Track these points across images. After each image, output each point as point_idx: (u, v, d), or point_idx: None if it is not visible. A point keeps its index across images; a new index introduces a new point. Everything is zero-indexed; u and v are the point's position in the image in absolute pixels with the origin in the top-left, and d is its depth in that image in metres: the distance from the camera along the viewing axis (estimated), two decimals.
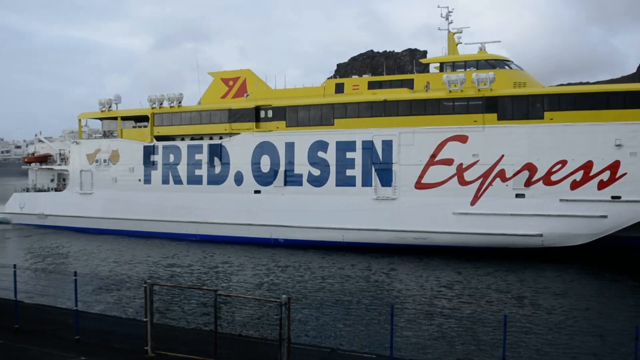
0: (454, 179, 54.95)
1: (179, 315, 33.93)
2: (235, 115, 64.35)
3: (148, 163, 68.27)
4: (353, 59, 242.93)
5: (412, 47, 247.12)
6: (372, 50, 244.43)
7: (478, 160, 54.15)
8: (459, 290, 42.09)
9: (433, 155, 55.67)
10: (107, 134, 73.70)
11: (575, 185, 51.22)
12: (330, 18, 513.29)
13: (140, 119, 71.53)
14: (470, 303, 38.40)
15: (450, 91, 55.67)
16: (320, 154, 60.07)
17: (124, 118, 72.16)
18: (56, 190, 77.27)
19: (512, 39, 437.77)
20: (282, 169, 61.48)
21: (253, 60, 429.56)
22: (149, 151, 68.27)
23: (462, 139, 54.84)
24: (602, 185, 50.51)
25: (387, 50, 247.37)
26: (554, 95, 53.60)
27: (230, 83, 69.52)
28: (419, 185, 56.09)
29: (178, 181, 66.50)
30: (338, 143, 59.38)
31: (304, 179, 60.65)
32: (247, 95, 67.00)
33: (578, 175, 51.17)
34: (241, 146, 63.52)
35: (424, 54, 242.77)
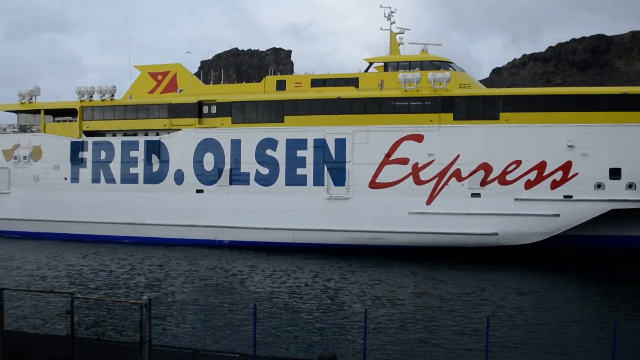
0: (409, 178, 54.90)
1: (36, 322, 31.82)
2: (175, 111, 61.24)
3: (76, 160, 63.61)
4: (217, 56, 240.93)
5: (277, 47, 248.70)
6: (236, 48, 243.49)
7: (434, 160, 54.39)
8: (323, 287, 42.56)
9: (388, 155, 55.44)
10: (23, 129, 68.69)
11: (529, 185, 52.50)
12: (196, 14, 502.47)
13: (64, 112, 67.11)
14: (334, 300, 38.84)
15: (405, 90, 56.10)
16: (269, 152, 58.53)
17: (48, 111, 67.13)
18: None
19: (376, 41, 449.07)
20: (227, 167, 59.17)
21: (115, 54, 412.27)
22: (77, 147, 63.62)
23: (418, 138, 55.21)
24: (554, 185, 52.05)
25: (252, 49, 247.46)
26: (509, 96, 54.97)
27: (159, 77, 66.40)
28: (374, 184, 55.83)
29: (110, 180, 62.45)
30: (288, 141, 58.08)
31: (252, 177, 58.72)
32: (181, 91, 64.38)
33: (532, 175, 52.47)
34: (182, 143, 60.61)
35: (288, 53, 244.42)
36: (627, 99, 51.84)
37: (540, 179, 52.53)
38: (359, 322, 30.21)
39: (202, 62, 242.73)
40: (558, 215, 51.90)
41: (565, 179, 52.13)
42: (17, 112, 69.17)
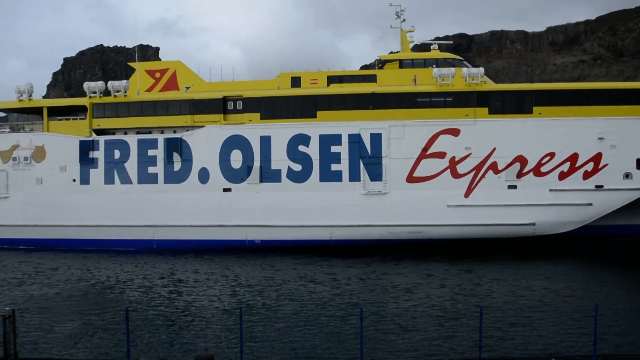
0: (446, 172, 54.28)
1: None
2: (199, 107, 57.14)
3: (86, 160, 57.91)
4: (82, 53, 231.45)
5: (144, 43, 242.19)
6: (102, 45, 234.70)
7: (470, 154, 54.09)
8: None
9: (425, 149, 54.58)
10: (15, 128, 61.94)
11: (563, 176, 53.35)
12: (57, 7, 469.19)
13: (68, 110, 61.28)
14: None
15: (440, 85, 55.65)
16: (302, 148, 55.99)
17: (52, 109, 60.48)
18: None
19: (245, 39, 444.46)
20: (257, 164, 55.99)
21: None
22: (87, 147, 57.90)
23: (454, 132, 54.77)
24: (586, 175, 53.17)
25: (118, 46, 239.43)
26: (543, 91, 55.65)
27: (157, 75, 61.55)
28: (411, 178, 54.84)
29: (126, 180, 57.29)
30: (322, 136, 55.95)
31: (283, 174, 55.88)
32: (188, 88, 60.38)
33: (565, 167, 53.39)
34: (206, 140, 56.69)
35: (155, 50, 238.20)
36: None
37: (573, 170, 53.57)
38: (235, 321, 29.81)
39: (65, 59, 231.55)
40: (591, 204, 53.14)
41: (596, 170, 53.41)
42: (16, 110, 62.22)
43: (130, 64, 62.81)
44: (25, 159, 58.92)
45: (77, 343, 28.28)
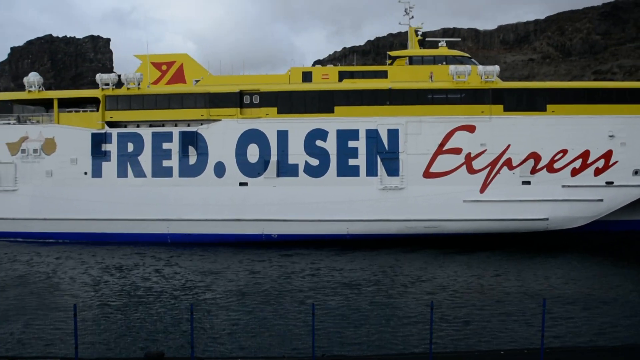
0: (462, 167, 53.67)
1: None
2: (215, 100, 55.14)
3: (98, 153, 55.31)
4: (30, 42, 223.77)
5: (95, 34, 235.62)
6: (51, 35, 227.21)
7: (485, 150, 53.64)
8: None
9: (441, 145, 53.89)
10: (21, 120, 58.32)
11: (575, 173, 53.32)
12: None
13: (79, 102, 58.04)
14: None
15: (456, 82, 54.62)
16: (319, 142, 54.52)
17: (63, 101, 57.56)
18: None
19: (201, 31, 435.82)
20: (274, 159, 54.45)
21: None
22: (99, 139, 55.30)
23: (470, 128, 54.06)
24: (597, 172, 53.23)
25: (68, 36, 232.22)
26: (556, 89, 55.41)
27: (164, 68, 59.37)
28: (427, 174, 53.95)
29: (140, 174, 55.01)
30: (339, 131, 54.54)
31: (300, 169, 54.45)
32: (197, 82, 58.16)
33: (577, 163, 53.37)
34: (223, 134, 54.80)
35: (107, 41, 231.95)
36: None
37: (584, 166, 53.43)
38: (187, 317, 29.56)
39: (12, 48, 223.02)
40: (601, 200, 53.18)
41: (607, 167, 53.42)
42: (25, 101, 58.82)
43: (137, 55, 59.99)
44: (35, 151, 55.86)
45: (23, 340, 27.20)
